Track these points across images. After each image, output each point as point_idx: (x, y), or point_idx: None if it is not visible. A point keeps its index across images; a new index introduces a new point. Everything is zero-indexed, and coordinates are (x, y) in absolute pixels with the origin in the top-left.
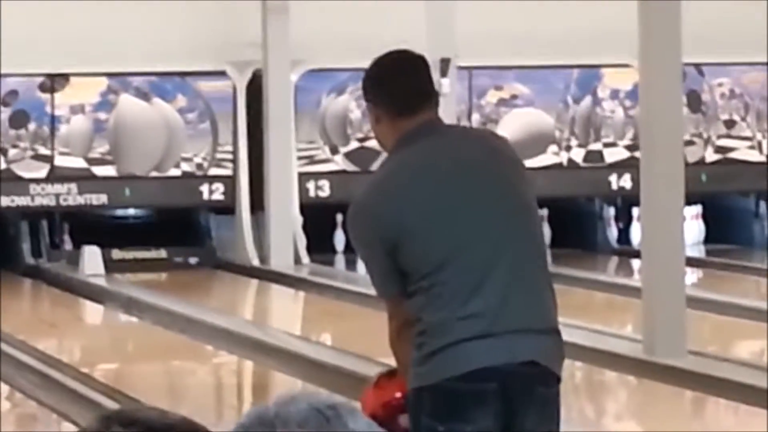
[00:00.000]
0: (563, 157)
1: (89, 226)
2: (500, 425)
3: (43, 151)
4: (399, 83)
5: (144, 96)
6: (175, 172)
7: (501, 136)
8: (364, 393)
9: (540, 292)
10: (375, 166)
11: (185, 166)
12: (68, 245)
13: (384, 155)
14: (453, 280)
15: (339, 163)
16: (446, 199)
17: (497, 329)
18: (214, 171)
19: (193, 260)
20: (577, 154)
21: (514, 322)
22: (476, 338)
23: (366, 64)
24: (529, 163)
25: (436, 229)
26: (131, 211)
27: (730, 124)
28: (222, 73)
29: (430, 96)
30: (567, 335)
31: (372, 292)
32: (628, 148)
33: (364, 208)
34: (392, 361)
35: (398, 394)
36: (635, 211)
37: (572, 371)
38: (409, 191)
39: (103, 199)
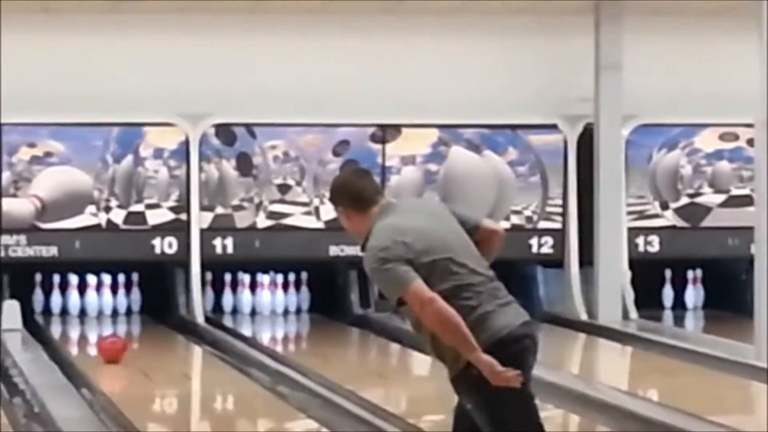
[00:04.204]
0: None
1: None
2: None
3: None
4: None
5: (475, 148)
6: (504, 224)
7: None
8: None
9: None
10: (705, 223)
11: (515, 219)
12: None
13: None
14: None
15: (669, 218)
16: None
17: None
18: (543, 224)
19: None
20: None
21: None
22: None
23: (698, 119)
24: None
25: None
26: None
27: None
28: (553, 127)
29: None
30: None
31: (701, 348)
32: None
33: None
34: (720, 419)
35: None
36: None
37: None
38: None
39: None
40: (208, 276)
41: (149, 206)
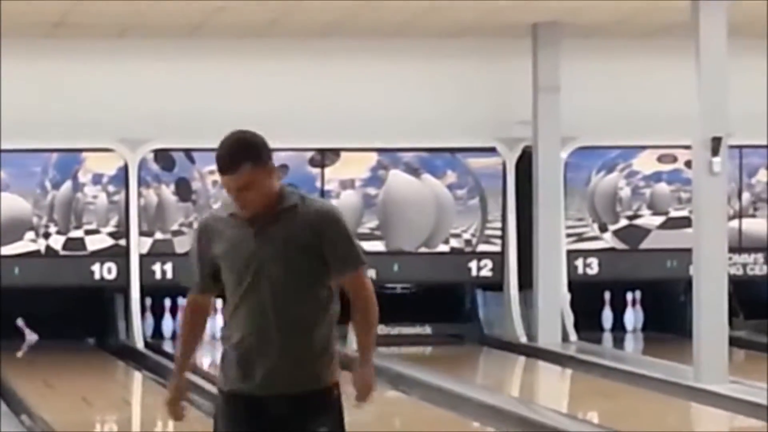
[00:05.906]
0: None
1: None
2: None
3: None
4: None
5: (414, 172)
6: (443, 248)
7: None
8: None
9: None
10: (644, 245)
11: (454, 242)
12: None
13: None
14: None
15: (608, 240)
16: None
17: None
18: (482, 247)
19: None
20: None
21: None
22: None
23: (636, 141)
24: None
25: None
26: (398, 287)
27: None
28: (492, 150)
29: None
30: None
31: (640, 370)
32: None
33: None
34: None
35: None
36: None
37: None
38: None
39: (371, 274)
40: (148, 301)
41: (88, 232)
